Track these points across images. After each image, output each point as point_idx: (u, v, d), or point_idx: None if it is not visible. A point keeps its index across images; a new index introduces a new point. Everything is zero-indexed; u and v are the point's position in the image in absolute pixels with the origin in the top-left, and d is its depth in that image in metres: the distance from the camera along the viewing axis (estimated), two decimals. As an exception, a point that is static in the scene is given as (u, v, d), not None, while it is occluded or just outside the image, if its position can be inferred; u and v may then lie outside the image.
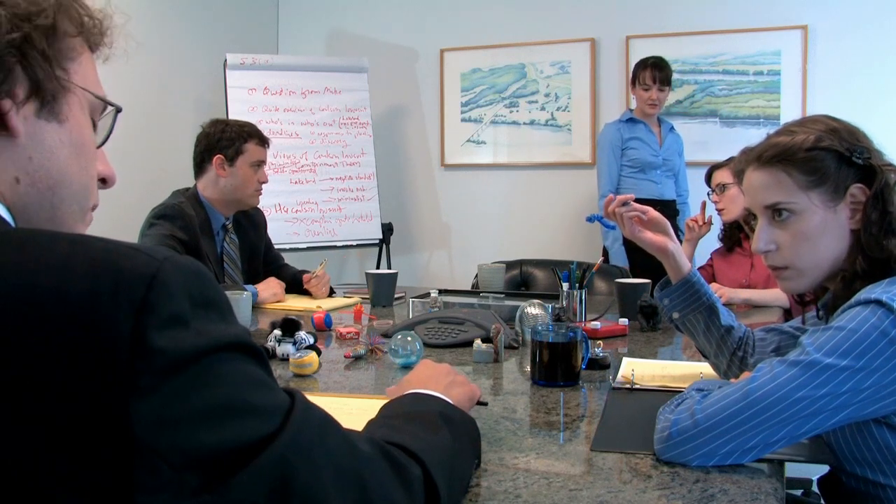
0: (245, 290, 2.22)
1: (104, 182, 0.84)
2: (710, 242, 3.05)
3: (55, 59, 0.72)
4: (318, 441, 0.67)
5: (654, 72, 3.61)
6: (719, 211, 2.85)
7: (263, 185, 2.68)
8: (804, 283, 1.26)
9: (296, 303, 2.57)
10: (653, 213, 1.52)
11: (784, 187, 1.22)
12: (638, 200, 3.98)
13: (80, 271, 0.60)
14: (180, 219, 2.47)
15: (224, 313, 0.65)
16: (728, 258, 2.89)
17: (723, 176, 2.81)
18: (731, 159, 2.83)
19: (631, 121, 3.76)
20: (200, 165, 2.62)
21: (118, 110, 0.82)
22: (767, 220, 1.26)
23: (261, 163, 2.64)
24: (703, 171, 3.98)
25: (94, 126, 0.80)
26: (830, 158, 1.19)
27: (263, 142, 2.66)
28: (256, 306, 2.44)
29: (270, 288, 2.57)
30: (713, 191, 2.85)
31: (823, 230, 1.20)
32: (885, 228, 1.15)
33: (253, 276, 2.71)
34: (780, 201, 1.22)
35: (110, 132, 0.82)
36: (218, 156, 2.57)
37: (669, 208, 3.70)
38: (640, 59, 3.72)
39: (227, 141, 2.58)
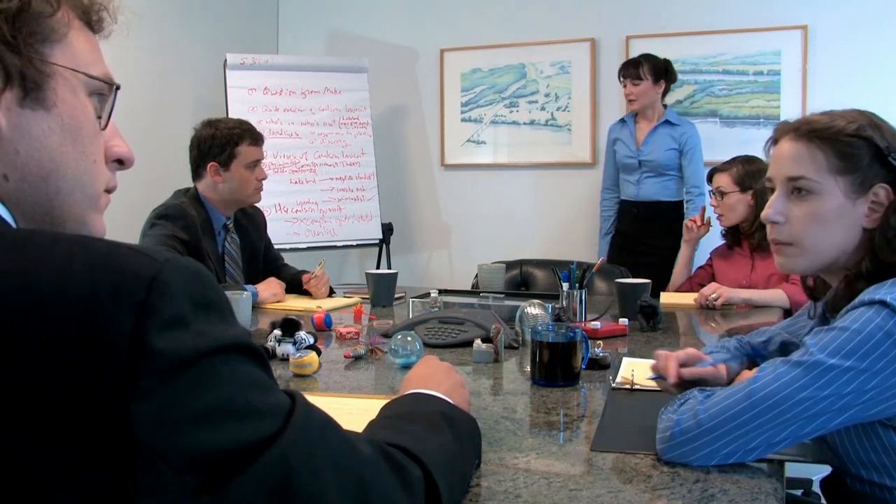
0: (245, 289, 2.22)
1: (121, 163, 0.81)
2: (710, 241, 3.04)
3: (29, 44, 0.69)
4: (318, 443, 0.67)
5: (622, 70, 3.71)
6: (718, 216, 2.84)
7: (264, 183, 2.67)
8: (802, 264, 1.26)
9: (296, 303, 2.57)
10: (683, 363, 1.34)
11: (814, 164, 1.21)
12: (622, 202, 4.06)
13: (81, 272, 0.59)
14: (181, 219, 2.46)
15: (225, 315, 0.65)
16: (728, 258, 2.88)
17: (722, 181, 2.79)
18: (732, 161, 2.82)
19: (621, 122, 3.85)
20: (197, 171, 2.61)
21: (116, 87, 0.78)
22: (785, 193, 1.25)
23: (257, 161, 2.61)
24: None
25: (103, 106, 0.77)
26: (867, 150, 1.19)
27: (256, 140, 2.62)
28: (256, 306, 2.44)
29: (270, 288, 2.56)
30: (713, 194, 2.84)
31: (838, 218, 1.20)
32: None
33: (252, 275, 2.70)
34: (805, 176, 1.21)
35: (111, 110, 0.78)
36: (212, 163, 2.55)
37: (654, 210, 3.70)
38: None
39: (218, 147, 2.55)
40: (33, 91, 0.70)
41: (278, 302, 2.55)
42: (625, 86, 3.70)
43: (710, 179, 2.89)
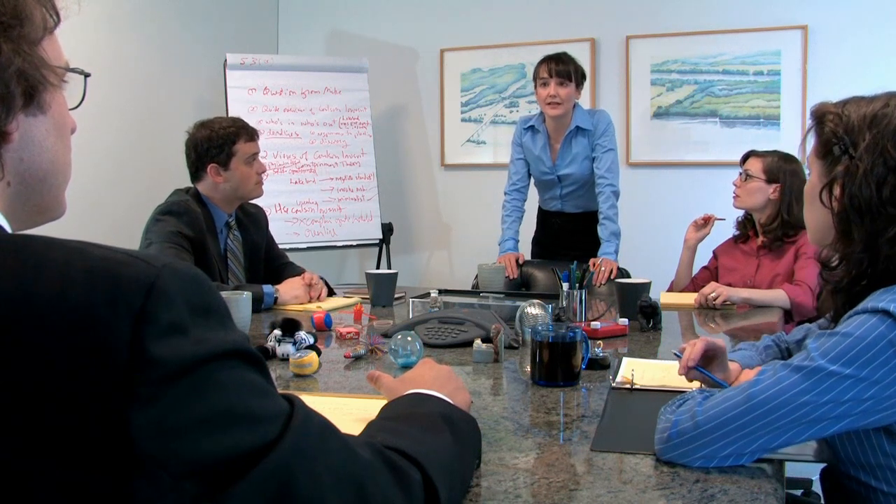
0: (245, 290, 2.21)
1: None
2: (713, 240, 3.02)
3: (33, 53, 0.69)
4: (317, 448, 0.66)
5: (551, 64, 3.09)
6: (735, 196, 2.82)
7: (265, 183, 2.67)
8: None
9: (325, 304, 2.52)
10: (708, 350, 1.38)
11: None
12: (544, 212, 3.51)
13: (79, 279, 0.59)
14: (186, 214, 2.46)
15: (223, 320, 0.65)
16: (733, 255, 2.86)
17: (753, 165, 2.76)
18: (772, 151, 2.78)
19: (531, 129, 3.30)
20: (196, 174, 2.61)
21: (87, 75, 0.79)
22: None
23: (254, 155, 2.62)
24: (702, 172, 4.03)
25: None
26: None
27: (252, 136, 2.63)
28: (278, 308, 2.44)
29: (293, 289, 2.53)
30: (740, 174, 2.82)
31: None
32: None
33: (255, 274, 2.70)
34: None
35: (83, 96, 0.80)
36: (211, 165, 2.55)
37: (582, 219, 3.32)
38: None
39: (215, 149, 2.55)
40: (34, 97, 0.70)
41: (300, 304, 2.50)
42: (545, 84, 3.10)
43: (744, 161, 2.86)
